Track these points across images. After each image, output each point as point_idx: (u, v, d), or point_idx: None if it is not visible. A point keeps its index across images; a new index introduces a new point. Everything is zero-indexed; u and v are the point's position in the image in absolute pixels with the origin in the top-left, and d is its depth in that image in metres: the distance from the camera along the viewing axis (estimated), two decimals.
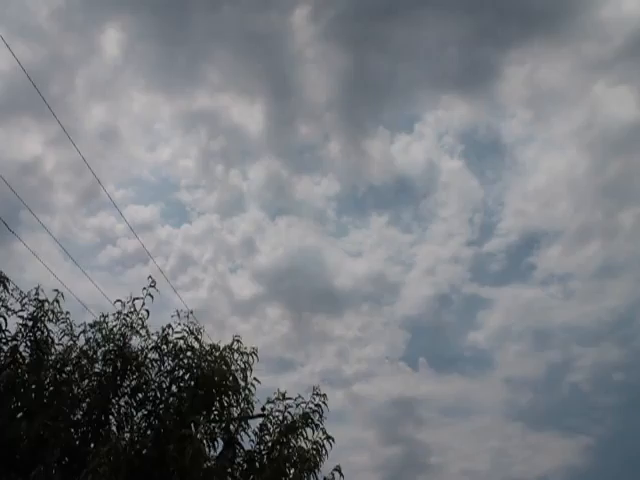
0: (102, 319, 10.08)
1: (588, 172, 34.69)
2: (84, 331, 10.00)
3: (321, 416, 9.81)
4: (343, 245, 39.46)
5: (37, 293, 10.11)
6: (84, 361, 9.74)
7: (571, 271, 36.60)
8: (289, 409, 9.81)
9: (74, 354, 9.87)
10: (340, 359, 36.51)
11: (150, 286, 10.11)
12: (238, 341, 10.06)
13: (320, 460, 9.57)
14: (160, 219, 35.73)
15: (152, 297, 10.13)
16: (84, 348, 9.86)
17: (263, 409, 9.90)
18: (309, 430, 9.70)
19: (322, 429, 9.74)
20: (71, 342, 10.00)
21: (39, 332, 10.04)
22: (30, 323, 10.02)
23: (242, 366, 9.99)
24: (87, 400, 9.66)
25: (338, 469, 9.54)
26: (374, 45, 33.50)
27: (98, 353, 9.85)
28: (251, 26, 30.43)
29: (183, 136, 35.79)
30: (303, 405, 9.81)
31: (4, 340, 9.93)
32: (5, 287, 9.99)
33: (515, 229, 36.84)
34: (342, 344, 36.48)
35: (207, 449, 9.41)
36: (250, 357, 10.14)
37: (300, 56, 32.77)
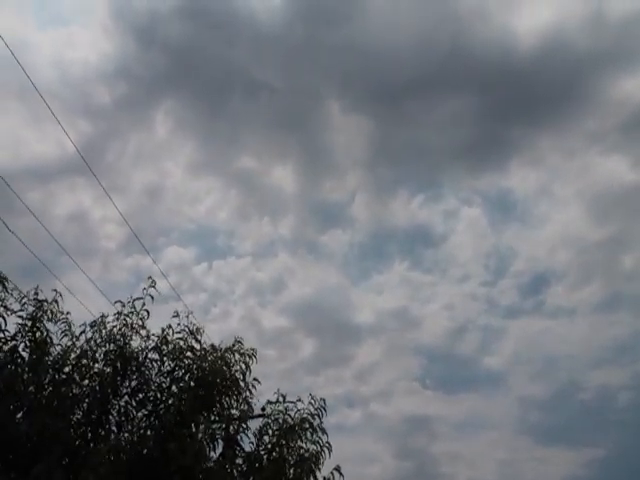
0: (101, 319, 10.04)
1: (590, 224, 40.49)
2: (84, 331, 9.97)
3: (321, 420, 9.88)
4: (366, 285, 43.91)
5: (36, 293, 10.08)
6: (84, 361, 9.71)
7: (576, 305, 40.88)
8: (289, 412, 9.86)
9: (74, 354, 9.84)
10: (359, 382, 39.90)
11: (150, 286, 10.14)
12: (239, 342, 10.11)
13: (320, 461, 9.63)
14: (196, 259, 40.16)
15: (152, 298, 10.16)
16: (84, 348, 9.82)
17: (263, 409, 9.94)
18: (308, 433, 9.75)
19: (323, 432, 9.80)
20: (70, 342, 9.96)
21: (38, 332, 10.01)
22: (29, 323, 9.99)
23: (242, 367, 10.04)
24: (87, 400, 9.63)
25: (338, 469, 9.59)
26: (394, 116, 38.01)
27: (98, 353, 9.82)
28: (284, 103, 35.07)
29: (222, 193, 41.73)
30: (302, 410, 9.85)
31: (3, 340, 9.89)
32: (4, 287, 9.95)
33: (526, 271, 41.49)
34: (361, 369, 39.92)
35: (207, 449, 9.45)
36: (250, 358, 10.19)
37: (328, 125, 37.73)
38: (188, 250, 40.13)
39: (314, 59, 34.50)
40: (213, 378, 9.74)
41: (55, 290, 10.29)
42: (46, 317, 10.08)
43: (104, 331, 9.90)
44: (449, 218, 43.94)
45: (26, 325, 9.95)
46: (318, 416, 9.81)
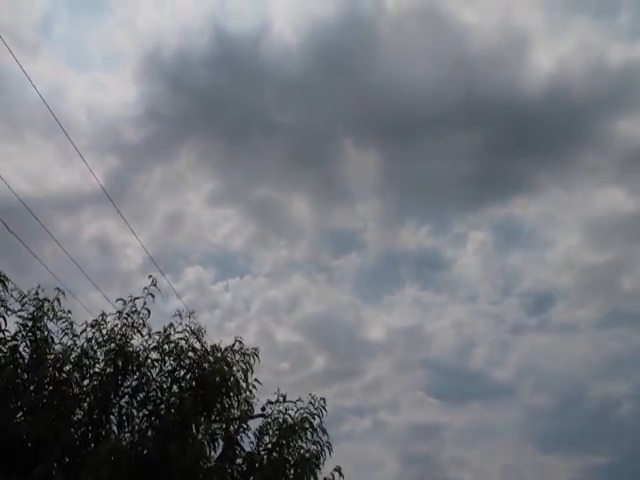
0: (102, 318, 9.98)
1: (591, 248, 43.82)
2: (84, 330, 9.90)
3: (321, 420, 9.85)
4: (378, 305, 46.68)
5: (37, 293, 10.03)
6: (85, 360, 9.68)
7: (579, 322, 43.51)
8: (289, 411, 9.82)
9: (74, 354, 9.81)
10: (368, 393, 41.52)
11: (151, 285, 10.10)
12: (240, 342, 10.08)
13: (321, 461, 9.62)
14: (214, 279, 43.61)
15: (153, 296, 10.13)
16: (85, 347, 9.76)
17: (263, 409, 9.90)
18: (309, 433, 9.72)
19: (323, 432, 9.78)
20: (71, 342, 9.92)
21: (39, 332, 9.97)
22: (30, 323, 9.94)
23: (243, 367, 10.00)
24: (87, 400, 9.61)
25: (338, 469, 9.57)
26: (404, 150, 41.01)
27: (99, 353, 9.79)
28: (301, 141, 38.23)
29: (241, 220, 44.27)
30: (302, 409, 9.81)
31: (4, 340, 9.87)
32: (5, 287, 9.93)
33: (532, 291, 44.02)
34: (371, 381, 41.80)
35: (208, 449, 9.43)
36: (251, 358, 10.14)
37: (342, 159, 40.60)
38: (207, 271, 42.94)
39: (331, 101, 37.26)
40: (213, 378, 9.69)
41: (58, 289, 10.28)
42: (47, 317, 10.06)
43: (104, 330, 9.85)
44: (456, 244, 47.18)
45: (27, 325, 9.93)
46: (318, 416, 9.78)
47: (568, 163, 41.44)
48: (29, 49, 30.14)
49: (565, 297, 45.44)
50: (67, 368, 9.71)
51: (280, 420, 9.69)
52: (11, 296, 9.94)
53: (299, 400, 9.82)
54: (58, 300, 10.13)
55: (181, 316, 10.01)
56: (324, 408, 9.81)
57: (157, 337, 9.92)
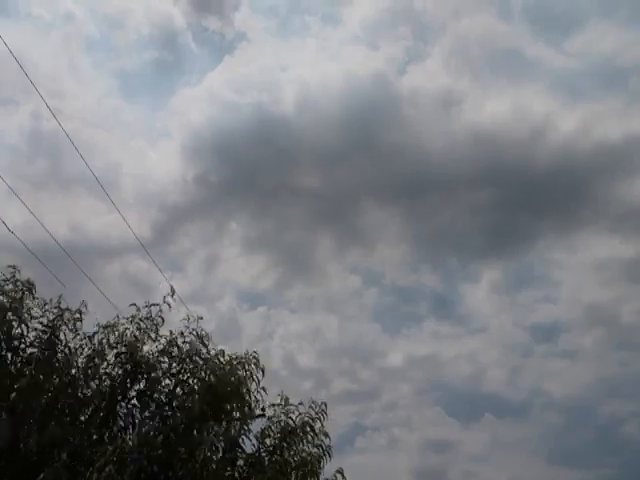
0: (114, 321, 10.19)
1: (596, 286, 47.61)
2: (96, 332, 10.10)
3: (322, 424, 9.77)
4: (396, 337, 48.54)
5: (59, 302, 10.24)
6: (96, 360, 9.77)
7: (585, 347, 46.33)
8: (291, 414, 9.78)
9: (84, 354, 9.95)
10: (385, 412, 42.16)
11: (169, 294, 10.47)
12: (255, 355, 10.17)
13: (322, 465, 9.46)
14: (243, 310, 43.90)
15: (169, 306, 10.42)
16: (96, 348, 9.92)
17: (263, 410, 9.86)
18: (310, 437, 9.63)
19: (325, 435, 9.68)
20: (82, 342, 10.09)
21: (58, 341, 10.16)
22: (49, 331, 10.08)
23: (248, 375, 10.11)
24: (95, 401, 9.71)
25: (340, 471, 9.36)
26: (420, 206, 44.89)
27: (109, 355, 9.93)
28: (326, 201, 42.47)
29: (270, 262, 46.07)
30: (303, 413, 9.78)
31: (23, 347, 10.14)
32: (31, 294, 10.41)
33: (541, 323, 46.86)
34: (389, 402, 42.60)
35: (217, 453, 9.36)
36: (257, 368, 10.25)
37: (363, 213, 44.40)
38: (238, 304, 44.38)
39: (354, 167, 42.06)
40: (220, 386, 9.76)
41: (83, 301, 10.49)
42: (66, 326, 10.22)
43: (117, 333, 10.07)
44: (469, 285, 49.59)
45: (45, 332, 10.04)
46: (320, 420, 9.71)
47: (569, 217, 45.68)
48: (87, 123, 36.55)
49: (572, 328, 48.62)
50: (73, 371, 9.86)
51: (282, 423, 9.65)
52: (36, 304, 10.42)
53: (301, 404, 9.81)
54: (80, 311, 10.32)
55: (188, 320, 10.29)
56: (325, 412, 9.74)
57: (165, 341, 10.12)
